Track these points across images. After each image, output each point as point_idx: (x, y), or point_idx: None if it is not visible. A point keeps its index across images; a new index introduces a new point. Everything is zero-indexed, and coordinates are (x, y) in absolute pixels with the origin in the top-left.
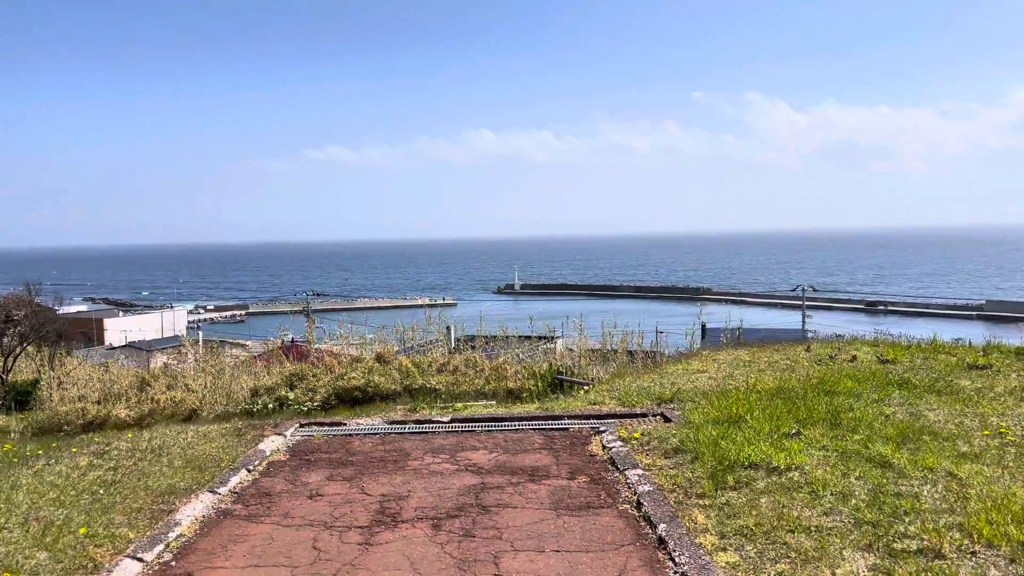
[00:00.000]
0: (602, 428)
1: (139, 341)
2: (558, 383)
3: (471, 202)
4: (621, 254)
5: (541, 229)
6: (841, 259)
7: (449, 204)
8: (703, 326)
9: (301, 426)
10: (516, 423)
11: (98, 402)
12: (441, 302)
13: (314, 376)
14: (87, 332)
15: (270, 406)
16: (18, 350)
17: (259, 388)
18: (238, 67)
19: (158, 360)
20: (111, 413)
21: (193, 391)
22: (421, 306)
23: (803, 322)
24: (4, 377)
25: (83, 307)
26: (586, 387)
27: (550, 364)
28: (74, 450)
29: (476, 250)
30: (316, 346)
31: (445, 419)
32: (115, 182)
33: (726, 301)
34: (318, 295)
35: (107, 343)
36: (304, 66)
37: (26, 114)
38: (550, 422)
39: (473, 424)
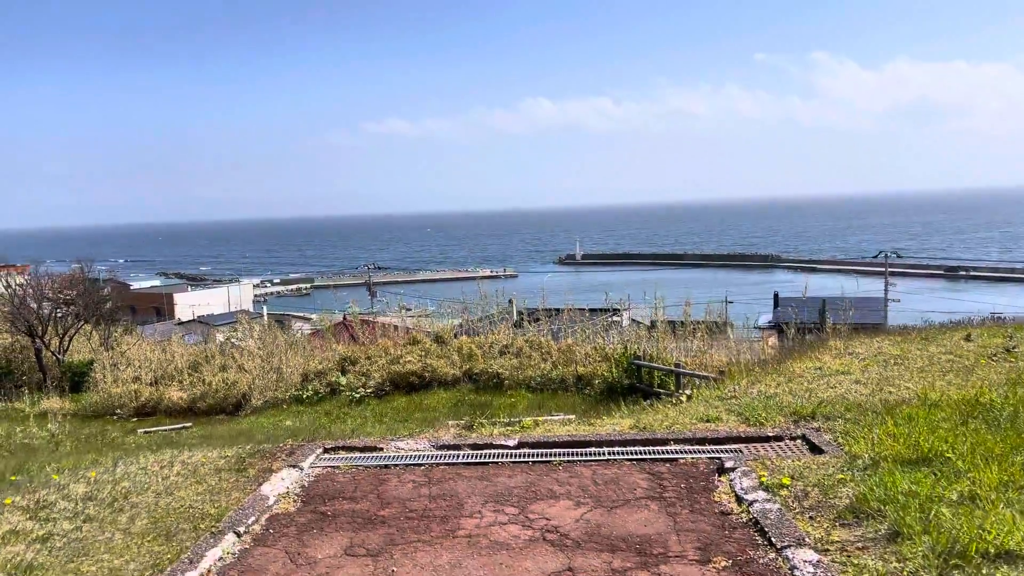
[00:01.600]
0: (727, 461)
1: (206, 316)
2: (635, 369)
3: (530, 171)
4: (684, 222)
5: (601, 197)
6: (915, 222)
7: (507, 174)
8: (775, 295)
9: (325, 451)
10: (606, 449)
11: (152, 383)
12: (502, 274)
13: (368, 359)
14: (158, 307)
15: (321, 392)
16: (73, 330)
17: (309, 372)
18: (297, 44)
19: (219, 336)
20: (164, 395)
21: (247, 371)
22: (482, 278)
23: (886, 291)
24: (60, 357)
25: (156, 282)
26: (678, 375)
27: (625, 347)
28: (7, 502)
29: (535, 220)
30: (379, 319)
31: (511, 443)
32: (184, 161)
33: (797, 268)
34: (378, 268)
35: (176, 318)
36: (361, 40)
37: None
38: (652, 448)
39: (548, 451)
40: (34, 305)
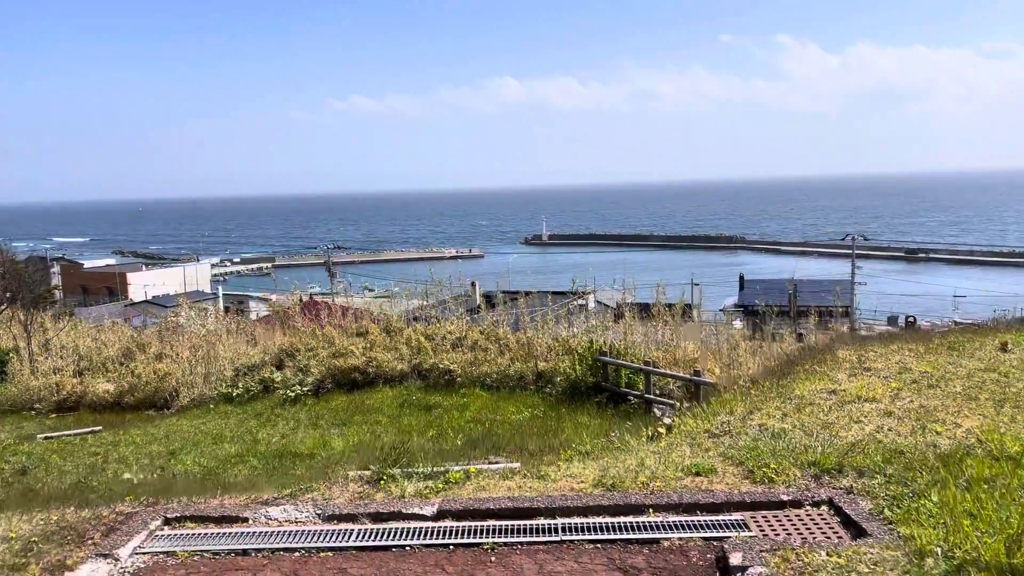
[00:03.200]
0: (731, 551)
1: (160, 296)
2: (600, 366)
3: (496, 151)
4: (650, 203)
5: (568, 178)
6: (875, 205)
7: (473, 153)
8: (741, 277)
9: (166, 522)
10: (560, 522)
11: (79, 373)
12: (467, 254)
13: (309, 351)
14: (111, 287)
15: (253, 390)
16: None
17: (243, 367)
18: (253, 12)
19: (170, 319)
20: (89, 389)
21: (180, 363)
22: (447, 258)
23: (853, 273)
24: None
25: (111, 261)
26: (647, 374)
27: (591, 341)
28: None
29: (502, 200)
30: (337, 301)
31: (428, 511)
32: (137, 133)
33: (761, 250)
34: (338, 248)
35: (129, 298)
36: (322, 9)
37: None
38: (623, 521)
39: (479, 524)
40: None
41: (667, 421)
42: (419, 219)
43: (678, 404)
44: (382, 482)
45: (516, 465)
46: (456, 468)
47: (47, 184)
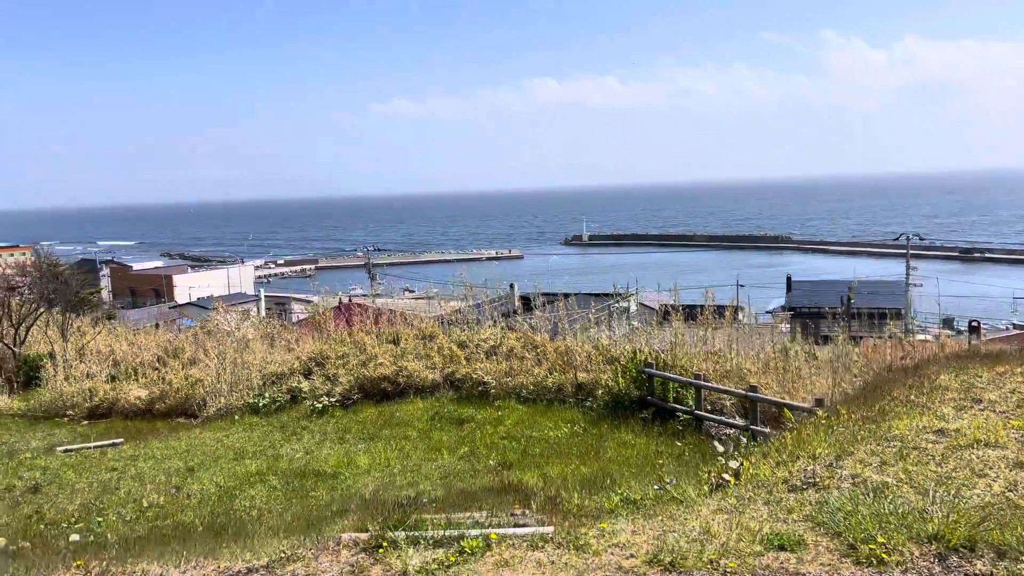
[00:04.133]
0: None
1: (205, 298)
2: (646, 378)
3: (536, 152)
4: (691, 202)
5: (607, 178)
6: (924, 204)
7: (513, 154)
8: (788, 279)
9: None
10: None
11: (112, 379)
12: (507, 255)
13: (340, 359)
14: (158, 288)
15: (280, 400)
16: (31, 319)
17: (271, 375)
18: (298, 23)
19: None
20: (121, 395)
21: (208, 370)
22: (487, 259)
23: (907, 275)
24: (16, 350)
25: (159, 263)
26: (698, 389)
27: (635, 352)
28: None
29: (542, 200)
30: (376, 302)
31: None
32: (189, 142)
33: (807, 250)
34: (377, 250)
35: (174, 300)
36: (366, 19)
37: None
38: None
39: None
40: None
41: (733, 465)
42: (458, 220)
43: (733, 424)
44: (381, 549)
45: (549, 530)
46: (474, 533)
47: (93, 187)
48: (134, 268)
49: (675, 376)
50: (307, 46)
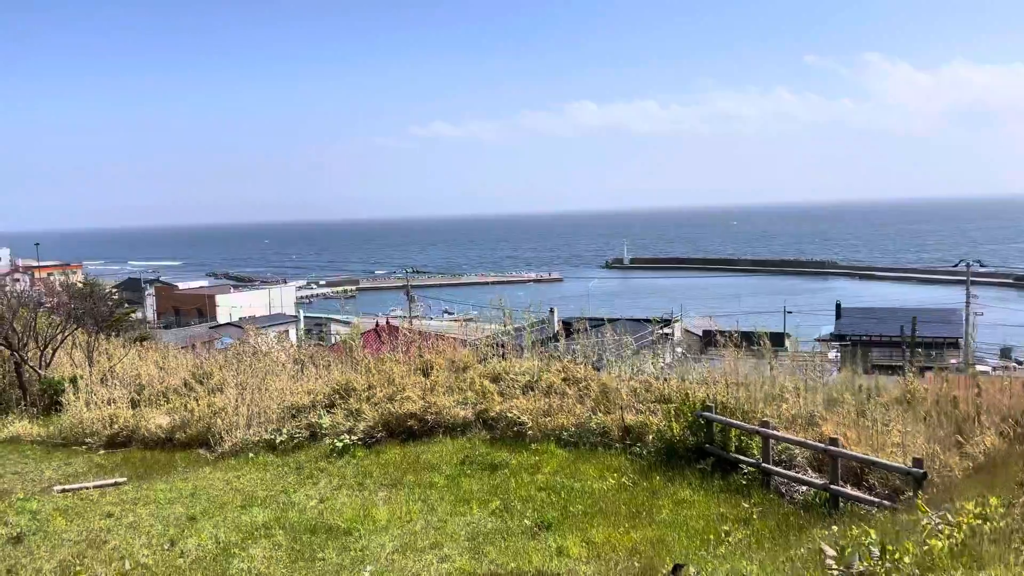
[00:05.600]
0: None
1: (246, 318)
2: (703, 424)
3: (574, 174)
4: (733, 226)
5: (647, 200)
6: (974, 229)
7: (553, 177)
8: (838, 305)
9: None
10: None
11: (135, 404)
12: (547, 277)
13: (367, 390)
14: (201, 308)
15: (298, 436)
16: (58, 341)
17: (291, 408)
18: (337, 46)
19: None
20: (142, 423)
21: (227, 400)
22: (527, 281)
23: (967, 302)
24: (41, 373)
25: (204, 283)
26: (766, 439)
27: (687, 395)
28: None
29: (580, 223)
30: (414, 324)
31: None
32: (230, 163)
33: (854, 275)
34: (418, 272)
35: (216, 320)
36: (405, 43)
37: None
38: None
39: None
40: (8, 316)
41: (855, 571)
42: (498, 242)
43: (808, 482)
44: None
45: None
46: None
47: (140, 208)
48: (179, 288)
49: (739, 423)
50: (348, 73)
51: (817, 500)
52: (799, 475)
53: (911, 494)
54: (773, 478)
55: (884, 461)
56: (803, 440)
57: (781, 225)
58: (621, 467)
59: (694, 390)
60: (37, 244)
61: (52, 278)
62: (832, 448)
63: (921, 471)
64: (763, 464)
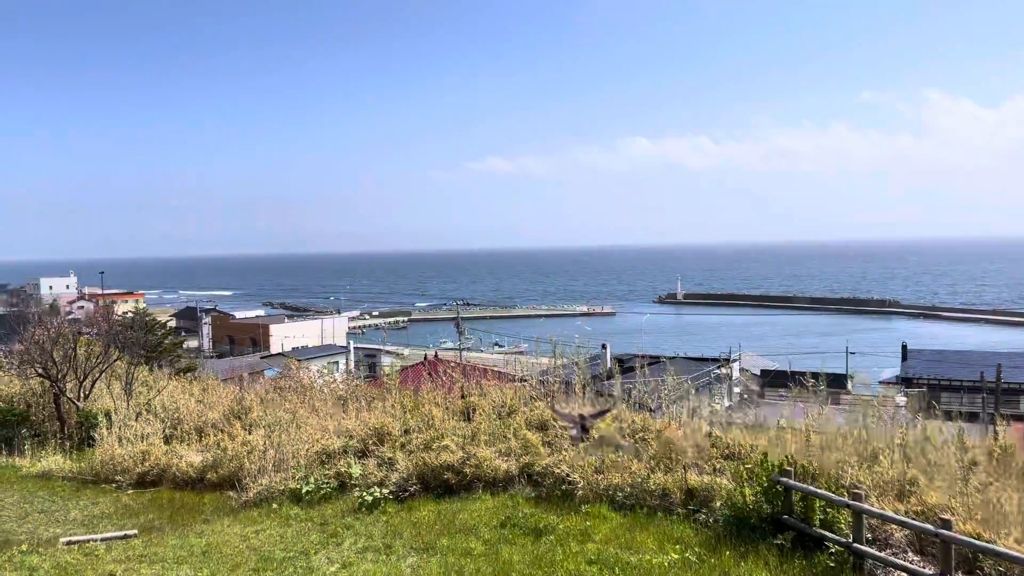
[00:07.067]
0: None
1: (299, 348)
2: (782, 492)
3: (627, 210)
4: (790, 263)
5: (700, 235)
6: None
7: (605, 212)
8: (903, 347)
9: None
10: None
11: (168, 439)
12: (599, 311)
13: (402, 435)
14: (255, 338)
15: (325, 487)
16: (98, 371)
17: (320, 453)
18: (400, 82)
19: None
20: (173, 461)
21: (255, 443)
22: (578, 315)
23: None
24: (79, 405)
25: (260, 312)
26: (857, 514)
27: (763, 457)
28: None
29: (632, 257)
30: (463, 357)
31: None
32: (293, 194)
33: (918, 315)
34: (469, 304)
35: (269, 350)
36: (463, 78)
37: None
38: None
39: None
40: (48, 346)
41: None
42: (550, 275)
43: (913, 571)
44: None
45: None
46: None
47: (209, 238)
48: (235, 317)
49: (825, 493)
50: (405, 110)
51: None
52: (900, 560)
53: None
54: (867, 561)
55: (1016, 554)
56: (907, 520)
57: (841, 262)
58: (684, 538)
59: (768, 446)
60: (102, 272)
61: (128, 305)
62: (945, 533)
63: None
64: (854, 544)
